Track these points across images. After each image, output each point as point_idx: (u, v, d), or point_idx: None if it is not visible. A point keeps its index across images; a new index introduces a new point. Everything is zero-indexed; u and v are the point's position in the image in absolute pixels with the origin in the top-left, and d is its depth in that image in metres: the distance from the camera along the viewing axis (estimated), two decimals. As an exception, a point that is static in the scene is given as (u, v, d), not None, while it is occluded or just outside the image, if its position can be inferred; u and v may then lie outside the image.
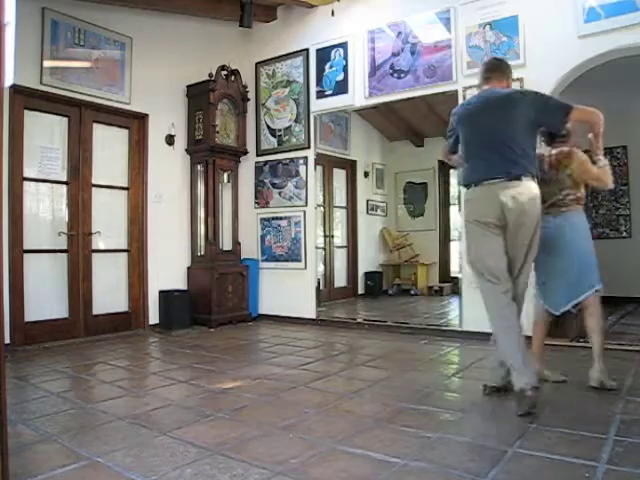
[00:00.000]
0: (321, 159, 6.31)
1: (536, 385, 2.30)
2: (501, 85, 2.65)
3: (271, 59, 5.63)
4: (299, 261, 5.36)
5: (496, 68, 2.71)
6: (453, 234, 8.14)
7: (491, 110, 2.55)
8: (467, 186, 2.62)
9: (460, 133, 2.68)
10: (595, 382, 2.69)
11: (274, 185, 5.58)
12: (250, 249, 5.66)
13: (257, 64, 5.74)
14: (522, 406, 2.28)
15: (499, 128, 2.50)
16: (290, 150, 5.46)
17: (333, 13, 5.04)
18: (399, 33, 4.72)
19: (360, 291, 7.76)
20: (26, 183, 4.17)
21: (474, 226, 2.55)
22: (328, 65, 5.18)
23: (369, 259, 8.11)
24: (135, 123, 5.00)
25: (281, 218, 5.51)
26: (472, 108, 2.65)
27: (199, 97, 5.30)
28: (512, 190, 2.42)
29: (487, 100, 2.60)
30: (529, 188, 2.45)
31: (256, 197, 5.72)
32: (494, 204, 2.45)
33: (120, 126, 4.90)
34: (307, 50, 5.33)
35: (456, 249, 7.17)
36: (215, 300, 5.11)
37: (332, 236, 7.44)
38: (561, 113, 2.51)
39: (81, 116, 4.55)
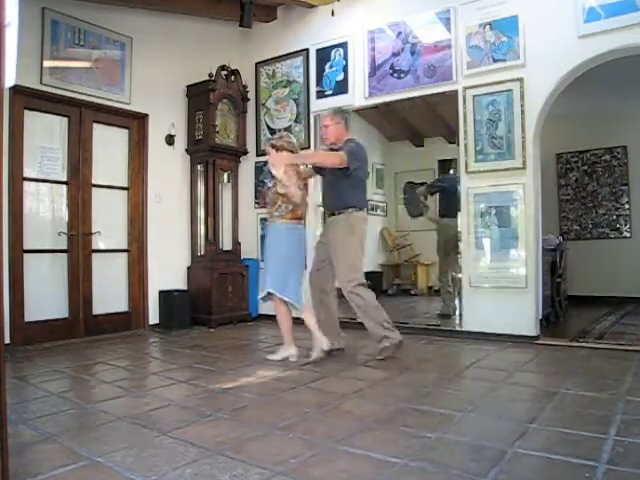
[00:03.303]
0: (321, 159, 6.28)
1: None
2: None
3: (271, 59, 5.63)
4: (299, 261, 5.35)
5: None
6: (453, 234, 8.12)
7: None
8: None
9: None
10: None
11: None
12: (250, 249, 5.66)
13: (257, 64, 5.74)
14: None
15: None
16: (290, 150, 5.45)
17: (333, 13, 5.02)
18: (399, 33, 4.72)
19: (360, 291, 7.74)
20: (26, 183, 4.17)
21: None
22: (328, 65, 5.18)
23: (369, 259, 8.09)
24: (135, 123, 5.00)
25: (281, 218, 5.49)
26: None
27: (199, 97, 5.30)
28: None
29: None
30: None
31: (256, 197, 5.72)
32: None
33: (120, 126, 4.90)
34: (307, 50, 5.33)
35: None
36: (215, 300, 5.11)
37: (332, 236, 7.42)
38: None
39: (81, 116, 4.55)
